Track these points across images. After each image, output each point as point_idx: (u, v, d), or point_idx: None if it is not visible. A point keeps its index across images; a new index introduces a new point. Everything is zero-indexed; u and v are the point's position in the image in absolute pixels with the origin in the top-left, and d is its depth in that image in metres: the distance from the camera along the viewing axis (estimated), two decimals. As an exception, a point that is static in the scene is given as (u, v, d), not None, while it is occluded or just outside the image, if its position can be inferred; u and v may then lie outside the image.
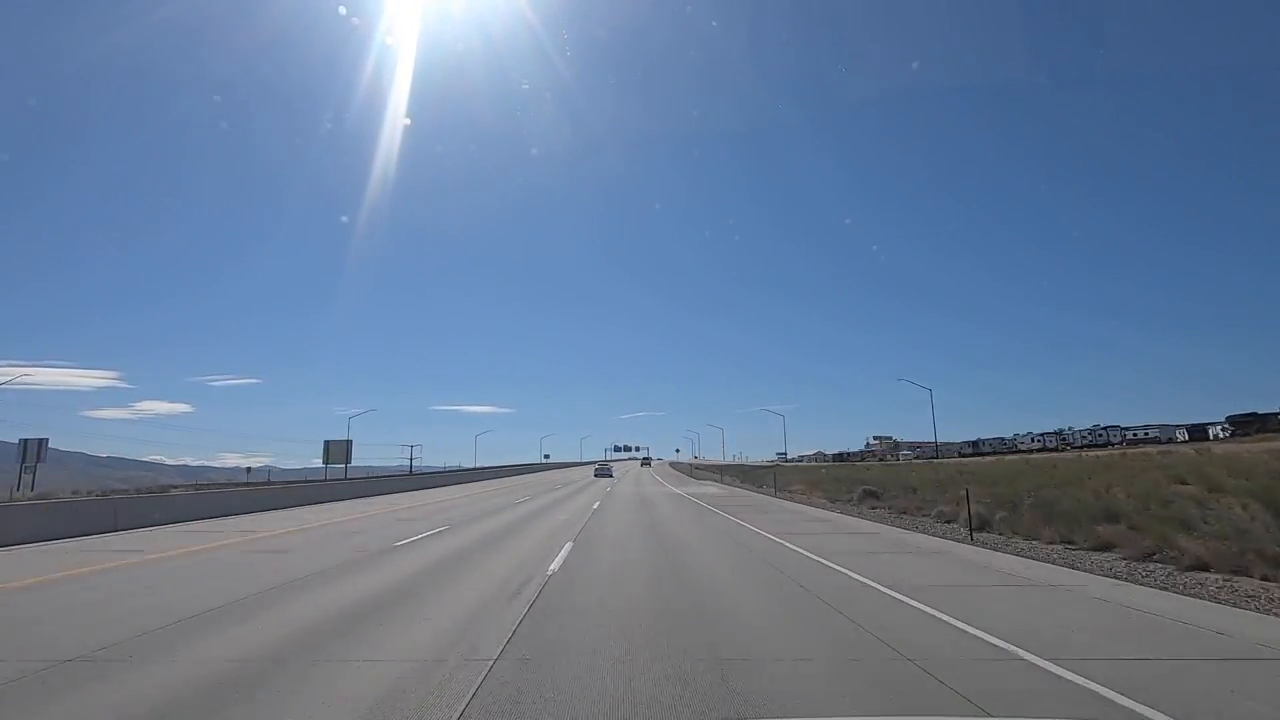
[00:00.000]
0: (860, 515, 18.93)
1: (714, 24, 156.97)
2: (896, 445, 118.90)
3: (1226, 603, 7.08)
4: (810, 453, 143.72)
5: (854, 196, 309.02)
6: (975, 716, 3.90)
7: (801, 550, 11.42)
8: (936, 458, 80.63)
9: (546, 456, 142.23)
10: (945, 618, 6.32)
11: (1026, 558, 10.40)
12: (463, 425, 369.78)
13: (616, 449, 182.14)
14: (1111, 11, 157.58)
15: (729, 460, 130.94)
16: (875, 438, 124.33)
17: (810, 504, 24.52)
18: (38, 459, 36.70)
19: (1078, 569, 9.29)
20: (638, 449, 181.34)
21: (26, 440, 37.03)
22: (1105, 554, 10.36)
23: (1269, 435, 54.07)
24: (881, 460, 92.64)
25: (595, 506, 23.59)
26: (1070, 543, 11.47)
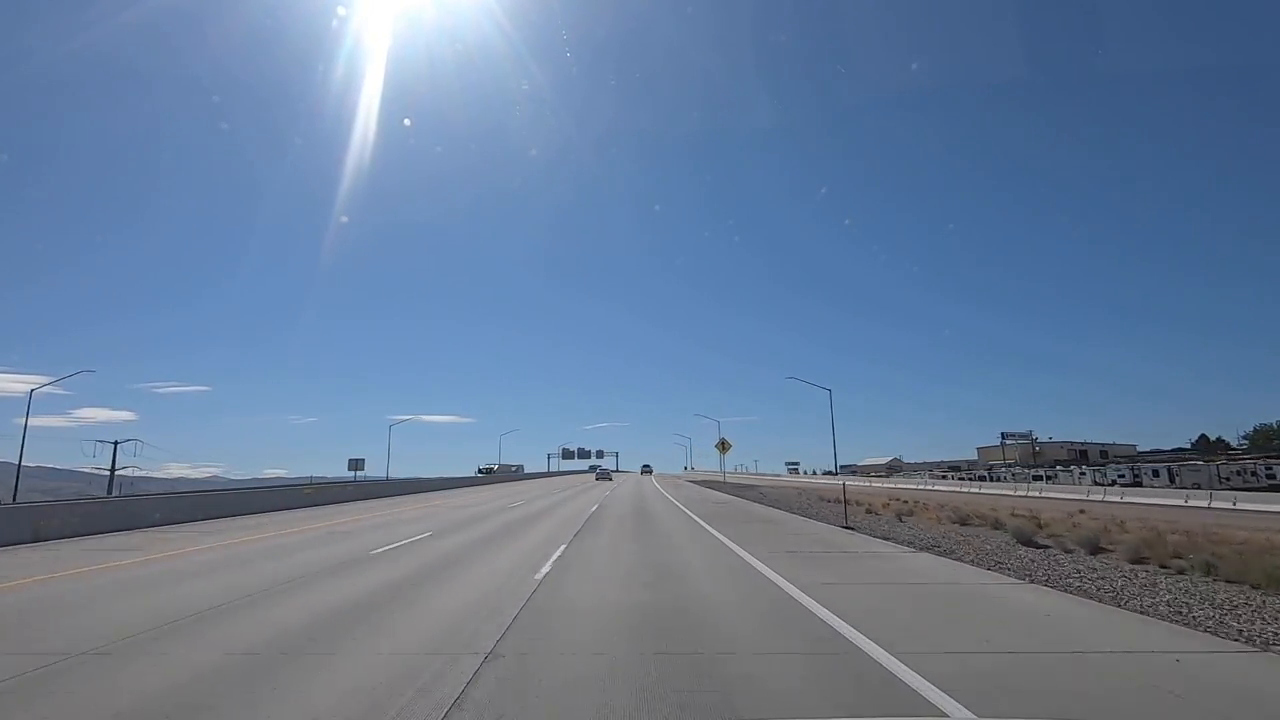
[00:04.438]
0: None
1: (685, 27, 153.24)
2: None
3: None
4: (876, 462, 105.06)
5: (853, 198, 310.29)
6: (943, 717, 3.61)
7: None
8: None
9: (358, 465, 66.20)
10: None
11: None
12: (423, 435, 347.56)
13: (567, 454, 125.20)
14: (1117, 12, 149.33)
15: (743, 471, 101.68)
16: (1007, 436, 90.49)
17: None
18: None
19: None
20: (599, 454, 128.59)
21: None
22: None
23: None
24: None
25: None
26: None
